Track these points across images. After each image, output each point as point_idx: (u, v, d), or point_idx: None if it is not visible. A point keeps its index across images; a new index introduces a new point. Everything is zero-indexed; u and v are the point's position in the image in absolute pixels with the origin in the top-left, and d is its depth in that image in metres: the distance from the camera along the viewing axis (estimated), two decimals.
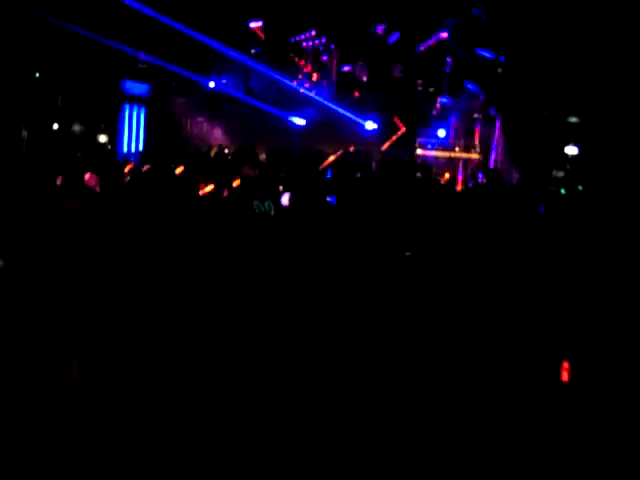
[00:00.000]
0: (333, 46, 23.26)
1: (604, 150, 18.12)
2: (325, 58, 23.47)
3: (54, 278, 4.87)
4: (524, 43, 18.09)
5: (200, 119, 22.92)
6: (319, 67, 23.63)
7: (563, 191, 15.04)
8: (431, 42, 20.47)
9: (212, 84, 22.05)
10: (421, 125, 22.34)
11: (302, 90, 22.66)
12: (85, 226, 5.57)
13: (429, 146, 22.18)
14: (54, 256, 5.13)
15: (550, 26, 17.55)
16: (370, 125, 22.27)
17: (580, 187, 15.63)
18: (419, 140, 22.28)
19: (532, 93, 18.44)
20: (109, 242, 5.51)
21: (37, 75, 17.98)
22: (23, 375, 4.53)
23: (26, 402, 4.43)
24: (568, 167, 19.19)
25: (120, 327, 4.98)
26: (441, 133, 22.01)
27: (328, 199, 8.44)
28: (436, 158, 21.84)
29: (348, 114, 22.15)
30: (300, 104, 22.53)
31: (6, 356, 4.54)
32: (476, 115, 21.34)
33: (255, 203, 7.52)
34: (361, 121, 22.30)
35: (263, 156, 19.02)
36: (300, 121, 22.74)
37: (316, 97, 21.82)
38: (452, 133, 21.97)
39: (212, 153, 20.09)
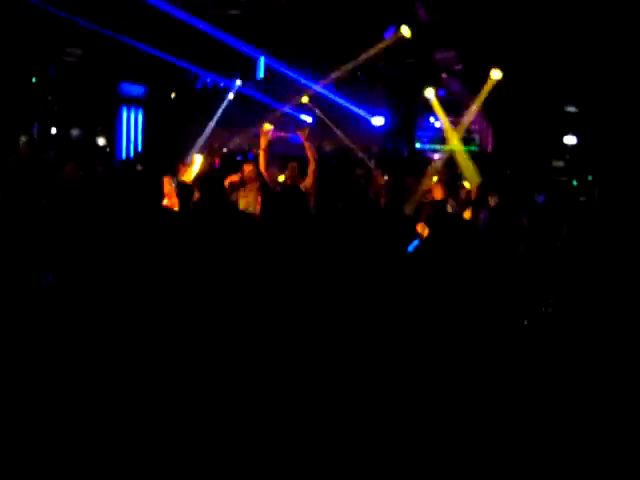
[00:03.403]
0: None
1: (604, 140, 18.07)
2: None
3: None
4: (520, 32, 18.03)
5: (197, 120, 22.77)
6: None
7: (575, 182, 14.91)
8: None
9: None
10: (418, 118, 22.24)
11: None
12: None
13: (425, 139, 22.12)
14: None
15: (546, 14, 17.49)
16: (378, 121, 21.49)
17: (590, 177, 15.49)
18: (417, 134, 22.25)
19: (529, 83, 18.37)
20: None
21: (34, 80, 18.01)
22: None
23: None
24: (567, 157, 19.17)
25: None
26: (437, 124, 21.85)
27: None
28: (433, 152, 21.77)
29: (354, 108, 21.67)
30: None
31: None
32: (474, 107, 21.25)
33: None
34: (367, 116, 21.76)
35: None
36: (307, 118, 22.29)
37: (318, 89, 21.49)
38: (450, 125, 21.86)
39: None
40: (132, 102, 21.71)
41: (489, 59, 18.85)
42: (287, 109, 21.55)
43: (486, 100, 19.05)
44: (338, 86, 21.94)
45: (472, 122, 20.80)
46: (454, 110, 20.87)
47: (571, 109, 19.68)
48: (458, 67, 19.97)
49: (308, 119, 22.27)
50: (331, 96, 21.54)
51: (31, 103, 18.24)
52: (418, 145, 22.14)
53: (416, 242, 6.52)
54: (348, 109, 21.65)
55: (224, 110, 21.78)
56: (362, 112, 21.57)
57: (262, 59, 21.41)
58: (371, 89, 22.18)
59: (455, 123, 21.31)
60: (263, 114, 21.77)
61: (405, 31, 15.84)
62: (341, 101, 21.57)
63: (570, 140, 19.93)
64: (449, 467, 4.32)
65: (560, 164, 18.82)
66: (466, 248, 6.24)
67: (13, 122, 17.56)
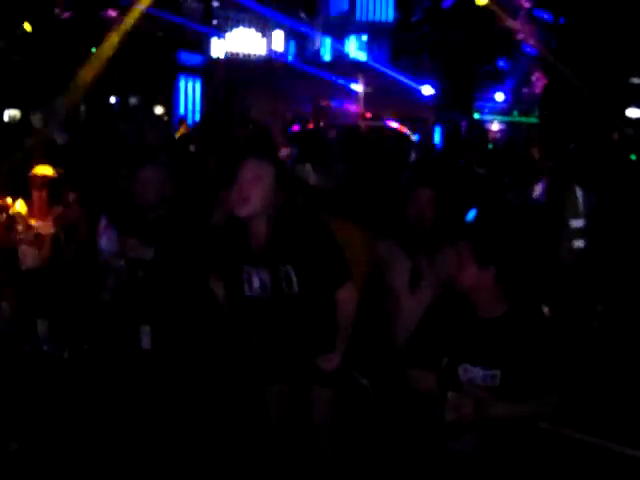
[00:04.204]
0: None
1: None
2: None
3: None
4: (584, 3, 17.64)
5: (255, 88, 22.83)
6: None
7: (634, 157, 14.41)
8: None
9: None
10: (478, 88, 21.94)
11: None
12: None
13: (486, 110, 21.83)
14: None
15: None
16: (427, 90, 21.65)
17: None
18: (477, 105, 21.94)
19: (592, 54, 17.94)
20: None
21: (93, 50, 18.13)
22: None
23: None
24: (631, 131, 18.67)
25: None
26: (499, 97, 21.58)
27: None
28: (491, 123, 21.49)
29: (405, 79, 21.62)
30: (355, 69, 22.26)
31: None
32: (535, 78, 20.89)
33: None
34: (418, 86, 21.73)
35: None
36: (358, 87, 22.33)
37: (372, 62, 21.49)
38: (510, 97, 21.56)
39: None
40: (190, 71, 21.84)
41: (556, 29, 18.50)
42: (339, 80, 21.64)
43: (548, 66, 18.72)
44: (394, 56, 21.86)
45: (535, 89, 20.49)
46: (518, 81, 20.66)
47: (636, 81, 19.20)
48: (520, 36, 19.64)
49: (359, 88, 22.24)
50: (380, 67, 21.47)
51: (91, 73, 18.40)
52: (477, 116, 21.85)
53: (474, 211, 6.33)
54: (399, 79, 21.52)
55: (277, 80, 21.84)
56: (411, 83, 21.46)
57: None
58: (421, 58, 21.99)
59: (516, 92, 21.06)
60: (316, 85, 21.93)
61: None
62: (391, 72, 21.44)
63: (634, 113, 19.46)
64: None
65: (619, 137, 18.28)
66: None
67: (74, 91, 17.74)
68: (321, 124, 20.78)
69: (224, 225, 4.02)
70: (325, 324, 3.82)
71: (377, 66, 21.70)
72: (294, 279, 3.68)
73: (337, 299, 3.77)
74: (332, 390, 3.96)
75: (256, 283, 3.72)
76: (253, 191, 3.58)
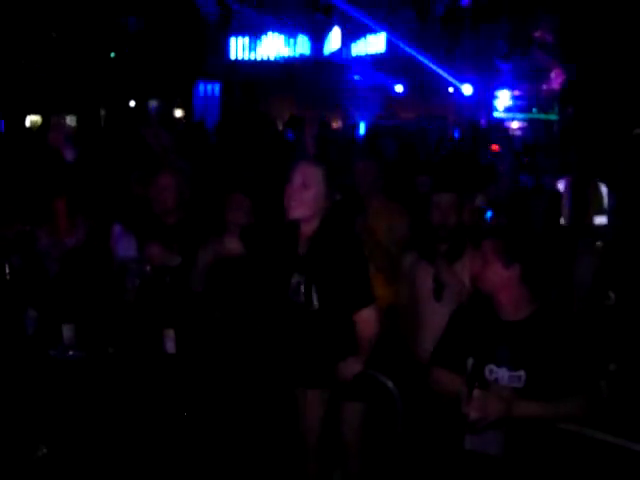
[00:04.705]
0: None
1: None
2: None
3: None
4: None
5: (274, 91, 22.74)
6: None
7: None
8: None
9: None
10: (497, 86, 21.76)
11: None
12: None
13: (504, 109, 21.65)
14: None
15: None
16: (467, 89, 21.17)
17: None
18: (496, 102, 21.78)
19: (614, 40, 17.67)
20: None
21: (112, 55, 18.27)
22: None
23: None
24: None
25: None
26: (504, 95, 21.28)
27: None
28: (511, 121, 21.32)
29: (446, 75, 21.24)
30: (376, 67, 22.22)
31: None
32: (553, 74, 20.72)
33: None
34: (457, 83, 21.40)
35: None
36: (399, 88, 22.07)
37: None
38: (527, 93, 21.37)
39: None
40: (209, 75, 21.86)
41: (577, 24, 18.29)
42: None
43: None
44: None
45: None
46: (536, 78, 20.47)
47: None
48: (537, 34, 19.50)
49: (399, 88, 22.11)
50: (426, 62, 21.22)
51: (110, 77, 18.52)
52: (496, 114, 21.70)
53: (490, 213, 6.29)
54: (433, 78, 21.32)
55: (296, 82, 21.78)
56: (454, 80, 21.19)
57: None
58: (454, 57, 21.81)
59: (536, 91, 20.87)
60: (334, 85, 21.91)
61: None
62: (437, 69, 21.16)
63: None
64: None
65: None
66: None
67: (94, 96, 17.87)
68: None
69: (277, 226, 4.08)
70: (345, 339, 3.85)
71: (401, 60, 21.52)
72: (315, 292, 3.77)
73: (356, 321, 3.80)
74: (360, 401, 4.00)
75: (293, 287, 3.83)
76: (304, 195, 3.70)
